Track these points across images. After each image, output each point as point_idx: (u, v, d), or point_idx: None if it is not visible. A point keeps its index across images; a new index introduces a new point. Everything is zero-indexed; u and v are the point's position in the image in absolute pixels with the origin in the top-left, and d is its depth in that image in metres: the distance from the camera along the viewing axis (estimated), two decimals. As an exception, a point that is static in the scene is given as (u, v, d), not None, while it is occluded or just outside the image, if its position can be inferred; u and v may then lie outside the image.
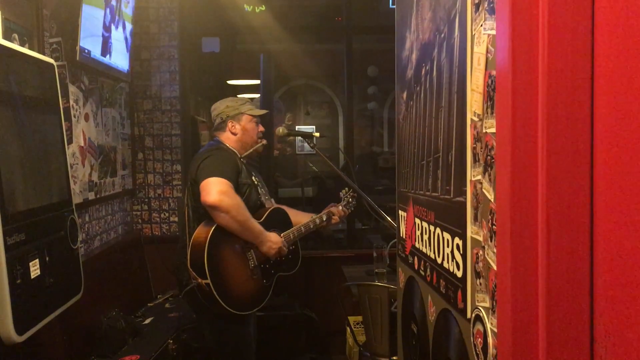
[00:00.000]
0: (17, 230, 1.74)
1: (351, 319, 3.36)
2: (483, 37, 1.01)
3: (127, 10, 3.38)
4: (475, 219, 1.06)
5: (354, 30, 4.39)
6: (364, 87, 7.69)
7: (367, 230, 4.84)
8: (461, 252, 1.14)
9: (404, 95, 1.70)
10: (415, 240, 1.53)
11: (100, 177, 3.25)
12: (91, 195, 3.09)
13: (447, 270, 1.24)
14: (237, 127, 2.56)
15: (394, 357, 2.56)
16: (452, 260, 1.20)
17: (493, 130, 0.96)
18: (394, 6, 1.86)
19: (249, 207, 2.41)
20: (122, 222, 3.69)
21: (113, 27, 3.17)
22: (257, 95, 4.43)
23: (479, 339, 1.04)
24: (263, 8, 4.56)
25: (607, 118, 0.82)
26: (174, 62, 3.87)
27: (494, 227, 0.96)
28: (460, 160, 1.13)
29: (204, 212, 2.33)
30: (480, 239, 1.03)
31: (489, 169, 0.98)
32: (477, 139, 1.04)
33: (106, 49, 3.09)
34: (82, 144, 2.98)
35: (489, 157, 0.98)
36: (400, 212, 1.76)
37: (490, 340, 0.99)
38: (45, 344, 2.31)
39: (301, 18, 5.13)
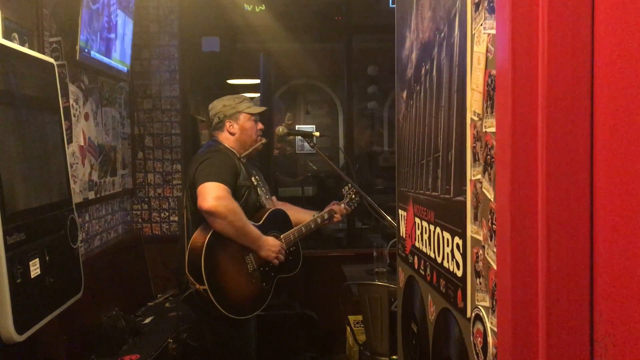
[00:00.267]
0: (17, 229, 1.74)
1: (351, 318, 3.36)
2: (483, 36, 1.01)
3: (127, 9, 3.37)
4: (475, 218, 1.06)
5: (354, 30, 4.39)
6: (364, 87, 7.68)
7: (367, 229, 4.84)
8: (461, 251, 1.14)
9: (404, 94, 1.70)
10: (415, 240, 1.53)
11: (100, 177, 3.25)
12: (91, 195, 3.09)
13: (447, 270, 1.24)
14: (235, 127, 2.53)
15: (394, 357, 2.56)
16: (452, 260, 1.20)
17: (493, 129, 0.96)
18: (394, 5, 1.85)
19: (247, 209, 2.39)
20: (122, 222, 3.69)
21: (113, 27, 3.17)
22: (257, 95, 4.42)
23: (479, 339, 1.04)
24: (263, 7, 4.56)
25: (607, 117, 0.82)
26: (174, 62, 3.87)
27: (494, 226, 0.96)
28: (460, 160, 1.13)
29: (202, 216, 2.30)
30: (480, 238, 1.03)
31: (489, 169, 0.98)
32: (477, 138, 1.04)
33: (106, 48, 3.09)
34: (82, 144, 2.98)
35: (488, 157, 0.98)
36: (400, 211, 1.76)
37: (490, 339, 0.99)
38: (45, 343, 2.31)
39: (301, 17, 5.13)
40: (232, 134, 2.54)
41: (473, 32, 1.06)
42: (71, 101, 2.84)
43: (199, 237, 2.29)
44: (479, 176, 1.03)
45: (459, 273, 1.16)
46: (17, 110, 1.85)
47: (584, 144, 0.85)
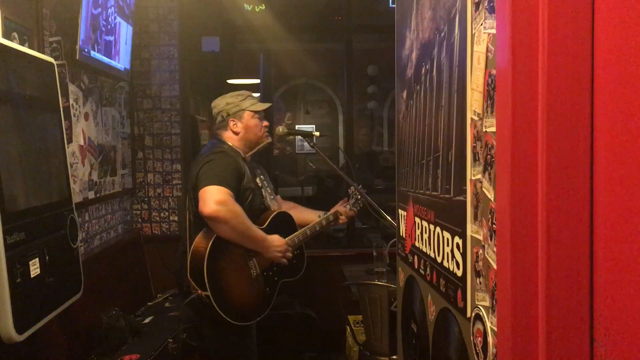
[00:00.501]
0: (17, 229, 1.73)
1: (351, 318, 3.36)
2: (483, 36, 1.01)
3: (127, 9, 3.37)
4: (475, 217, 1.06)
5: (354, 29, 4.39)
6: (364, 86, 7.69)
7: (367, 229, 4.85)
8: (461, 251, 1.14)
9: (404, 94, 1.70)
10: (415, 239, 1.53)
11: (100, 176, 3.25)
12: (91, 195, 3.09)
13: (447, 269, 1.24)
14: (239, 126, 2.46)
15: (394, 357, 2.56)
16: (452, 259, 1.20)
17: (493, 129, 0.96)
18: (394, 5, 1.85)
19: (252, 212, 2.34)
20: (122, 221, 3.69)
21: (113, 26, 3.17)
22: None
23: (479, 338, 1.04)
24: (263, 7, 4.56)
25: (607, 117, 0.82)
26: (174, 62, 3.87)
27: (494, 226, 0.96)
28: (460, 159, 1.13)
29: None
30: (480, 237, 1.03)
31: (489, 168, 0.98)
32: (477, 138, 1.04)
33: (106, 48, 3.09)
34: (82, 143, 2.98)
35: (489, 156, 0.98)
36: (400, 211, 1.76)
37: (490, 339, 0.99)
38: (45, 343, 2.31)
39: (301, 17, 5.13)
40: (236, 133, 2.47)
41: (473, 32, 1.06)
42: (71, 101, 2.83)
43: (202, 243, 2.23)
44: (479, 176, 1.03)
45: (459, 273, 1.16)
46: (17, 110, 1.85)
47: (584, 143, 0.85)
